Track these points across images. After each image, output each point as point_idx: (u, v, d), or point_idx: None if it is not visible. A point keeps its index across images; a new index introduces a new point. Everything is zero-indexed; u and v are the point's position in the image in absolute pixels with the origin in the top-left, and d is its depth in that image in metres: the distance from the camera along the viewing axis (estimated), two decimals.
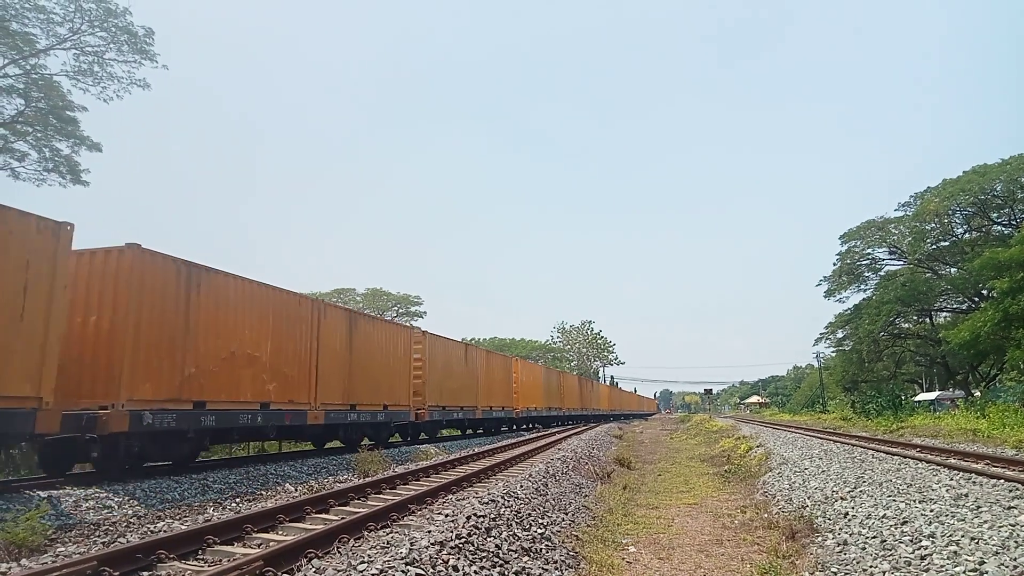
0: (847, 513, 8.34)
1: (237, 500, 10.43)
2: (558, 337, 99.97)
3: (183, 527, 7.51)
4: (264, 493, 11.29)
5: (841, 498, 9.39)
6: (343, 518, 7.82)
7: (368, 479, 11.57)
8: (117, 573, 5.57)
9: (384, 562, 5.31)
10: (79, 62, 27.43)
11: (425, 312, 66.26)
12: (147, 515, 8.94)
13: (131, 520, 8.55)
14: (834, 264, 48.11)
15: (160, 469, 12.32)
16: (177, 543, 6.40)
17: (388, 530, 7.45)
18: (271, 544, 6.63)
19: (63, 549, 6.77)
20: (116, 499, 9.46)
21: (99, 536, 7.47)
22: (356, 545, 6.66)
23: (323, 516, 8.42)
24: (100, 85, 27.88)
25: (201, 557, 6.42)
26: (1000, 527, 6.49)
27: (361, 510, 8.51)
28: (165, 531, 7.40)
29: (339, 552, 6.36)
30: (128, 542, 6.78)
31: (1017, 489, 8.46)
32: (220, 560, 6.27)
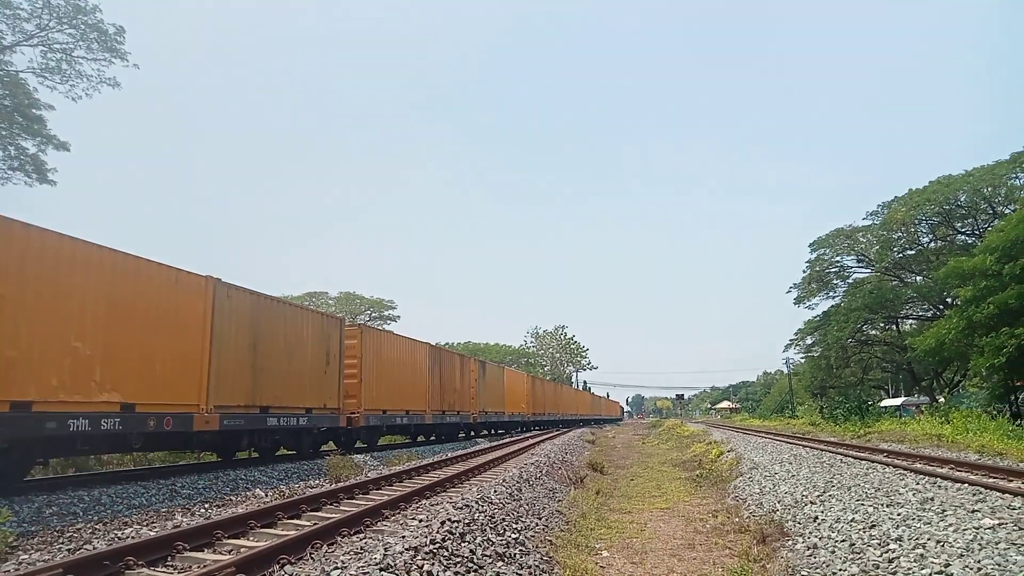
0: (816, 517, 8.46)
1: (206, 506, 10.28)
2: (532, 342, 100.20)
3: (152, 533, 7.38)
4: (234, 499, 11.14)
5: (810, 502, 9.52)
6: (316, 523, 7.76)
7: (340, 484, 11.47)
8: None
9: (358, 568, 5.28)
10: (46, 59, 26.94)
11: (399, 316, 65.96)
12: (114, 521, 8.77)
13: (97, 527, 8.37)
14: (804, 271, 48.83)
15: (126, 475, 12.13)
16: (146, 549, 6.29)
17: (362, 535, 7.40)
18: (243, 550, 6.55)
19: (26, 556, 6.62)
20: (82, 505, 9.28)
21: (64, 543, 7.30)
22: (329, 551, 6.60)
23: (295, 522, 8.34)
24: (68, 83, 27.39)
25: (171, 564, 6.32)
26: (965, 530, 6.64)
27: (334, 515, 8.43)
28: (133, 537, 7.26)
29: (312, 558, 6.30)
30: (95, 549, 6.64)
31: (980, 493, 8.65)
32: (190, 567, 6.18)
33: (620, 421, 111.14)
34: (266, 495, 11.47)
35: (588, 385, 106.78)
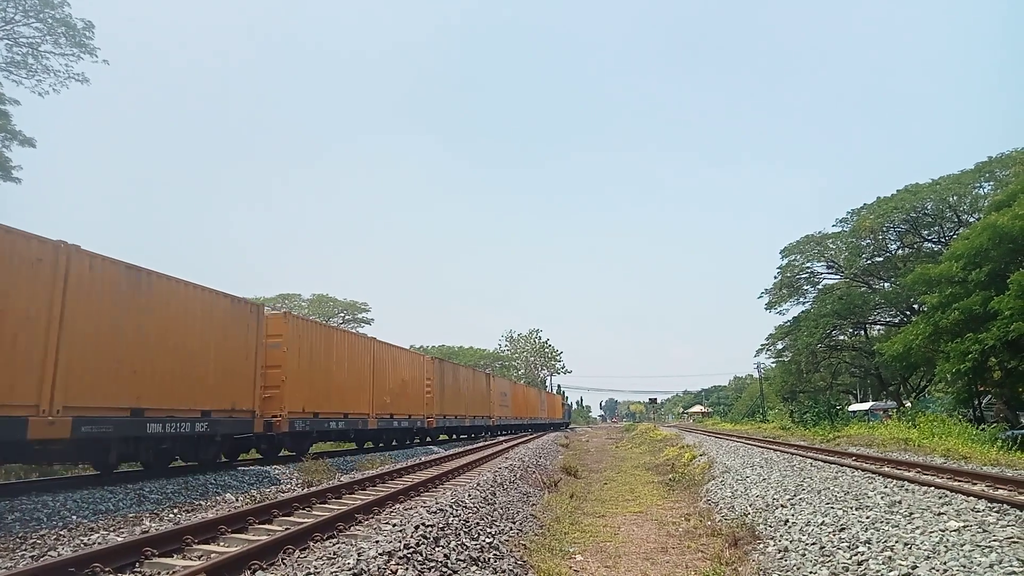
0: (787, 520, 8.56)
1: (175, 511, 10.10)
2: (506, 345, 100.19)
3: (119, 539, 7.23)
4: (204, 503, 10.96)
5: (781, 506, 9.63)
6: (288, 528, 7.66)
7: (313, 489, 11.35)
8: None
9: (331, 573, 5.24)
10: (12, 53, 26.38)
11: (372, 319, 65.54)
12: (80, 527, 8.58)
13: (62, 532, 8.18)
14: (775, 277, 49.47)
15: (91, 479, 11.89)
16: (113, 556, 6.16)
17: (335, 540, 7.32)
18: (213, 556, 6.45)
19: None
20: (46, 510, 9.06)
21: (27, 550, 7.12)
22: (302, 556, 6.52)
23: (267, 527, 8.22)
24: (35, 78, 26.87)
25: (139, 570, 6.19)
26: (931, 532, 6.76)
27: (306, 520, 8.35)
28: (100, 543, 7.11)
29: (284, 563, 6.22)
30: (60, 555, 6.49)
31: (946, 496, 8.82)
32: (159, 573, 6.07)
33: (568, 426, 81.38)
34: (237, 500, 11.31)
35: (562, 389, 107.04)
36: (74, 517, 9.10)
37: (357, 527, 8.24)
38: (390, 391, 23.28)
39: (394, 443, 25.12)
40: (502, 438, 35.27)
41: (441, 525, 7.36)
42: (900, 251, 43.85)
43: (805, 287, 49.04)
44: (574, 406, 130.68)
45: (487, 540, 7.53)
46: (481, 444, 27.71)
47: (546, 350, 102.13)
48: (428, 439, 29.12)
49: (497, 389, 40.67)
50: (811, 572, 6.21)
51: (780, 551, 7.19)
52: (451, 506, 8.80)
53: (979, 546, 6.12)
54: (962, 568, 5.59)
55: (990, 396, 28.49)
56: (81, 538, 7.69)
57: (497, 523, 8.82)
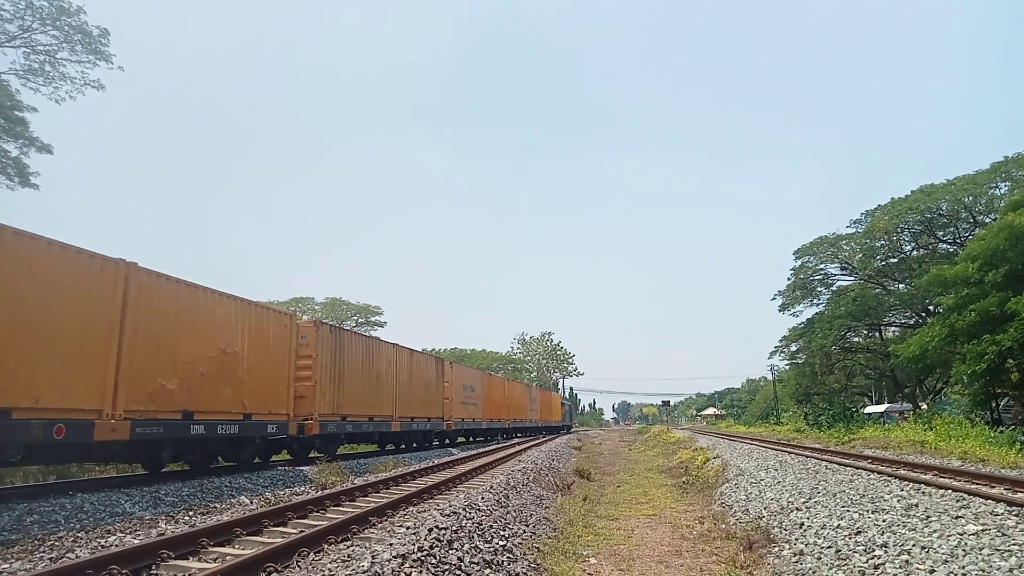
0: (802, 523, 8.50)
1: (191, 513, 10.16)
2: (518, 348, 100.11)
3: (136, 541, 7.29)
4: (219, 506, 11.02)
5: (796, 509, 9.57)
6: (302, 531, 7.69)
7: (327, 491, 11.40)
8: None
9: (346, 575, 5.25)
10: (29, 61, 26.65)
11: (385, 322, 65.74)
12: (97, 529, 8.65)
13: (79, 535, 8.26)
14: (788, 279, 49.14)
15: (108, 482, 11.98)
16: (130, 558, 6.21)
17: (349, 543, 7.35)
18: (228, 558, 6.49)
19: (6, 566, 6.51)
20: (63, 513, 9.15)
21: (45, 552, 7.20)
22: (316, 559, 6.55)
23: (281, 529, 8.27)
24: (52, 85, 27.12)
25: (155, 572, 6.24)
26: (949, 536, 6.70)
27: (321, 523, 8.38)
28: (117, 545, 7.17)
29: (299, 566, 6.25)
30: (78, 557, 6.56)
31: (964, 499, 8.74)
32: (175, 575, 6.12)
33: (569, 430, 68.67)
34: (251, 503, 11.36)
35: (575, 391, 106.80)
36: (91, 519, 9.18)
37: (371, 530, 8.26)
38: (187, 368, 12.65)
39: (220, 460, 14.95)
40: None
41: (455, 528, 7.37)
42: (915, 252, 43.43)
43: (819, 289, 48.66)
44: (586, 408, 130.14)
45: (500, 543, 7.53)
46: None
47: (558, 352, 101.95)
48: (313, 451, 18.10)
49: (457, 380, 30.57)
50: (827, 575, 6.17)
51: (795, 554, 7.14)
52: (464, 509, 8.80)
53: (998, 550, 6.06)
54: (981, 572, 5.54)
55: (1008, 398, 28.18)
56: (98, 540, 7.76)
57: (510, 526, 8.82)
